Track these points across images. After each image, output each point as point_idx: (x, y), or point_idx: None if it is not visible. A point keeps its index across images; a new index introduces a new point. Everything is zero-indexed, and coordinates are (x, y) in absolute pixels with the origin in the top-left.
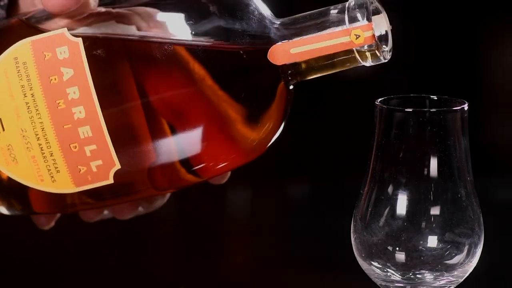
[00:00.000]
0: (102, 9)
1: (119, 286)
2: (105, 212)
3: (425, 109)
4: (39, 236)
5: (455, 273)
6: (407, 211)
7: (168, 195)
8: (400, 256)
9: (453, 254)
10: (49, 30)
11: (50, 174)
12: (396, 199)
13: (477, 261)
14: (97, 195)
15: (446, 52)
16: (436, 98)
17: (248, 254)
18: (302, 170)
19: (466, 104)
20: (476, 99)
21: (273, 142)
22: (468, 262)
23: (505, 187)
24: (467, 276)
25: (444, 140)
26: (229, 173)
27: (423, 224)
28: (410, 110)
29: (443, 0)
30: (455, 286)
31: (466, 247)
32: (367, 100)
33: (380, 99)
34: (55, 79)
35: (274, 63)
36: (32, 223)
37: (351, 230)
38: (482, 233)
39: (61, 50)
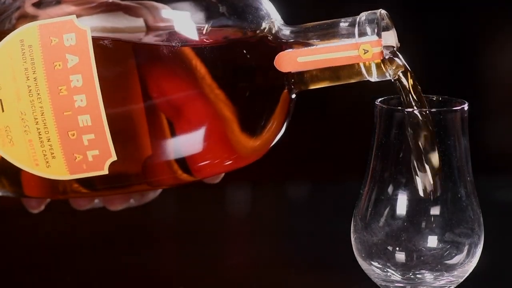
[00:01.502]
0: None
1: (119, 286)
2: (96, 201)
3: (425, 109)
4: (38, 237)
5: (455, 273)
6: (407, 211)
7: (160, 190)
8: (400, 256)
9: (453, 254)
10: (57, 16)
11: (45, 159)
12: (396, 199)
13: (477, 261)
14: (90, 185)
15: (446, 52)
16: (436, 98)
17: (248, 254)
18: (302, 169)
19: (466, 104)
20: (476, 99)
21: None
22: (468, 262)
23: (505, 187)
24: (467, 276)
25: (444, 140)
26: (222, 173)
27: (423, 224)
28: (410, 110)
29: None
30: (455, 286)
31: (466, 247)
32: (368, 100)
33: (380, 99)
34: (59, 65)
35: (280, 70)
36: (27, 223)
37: (351, 230)
38: (482, 233)
39: (68, 36)
